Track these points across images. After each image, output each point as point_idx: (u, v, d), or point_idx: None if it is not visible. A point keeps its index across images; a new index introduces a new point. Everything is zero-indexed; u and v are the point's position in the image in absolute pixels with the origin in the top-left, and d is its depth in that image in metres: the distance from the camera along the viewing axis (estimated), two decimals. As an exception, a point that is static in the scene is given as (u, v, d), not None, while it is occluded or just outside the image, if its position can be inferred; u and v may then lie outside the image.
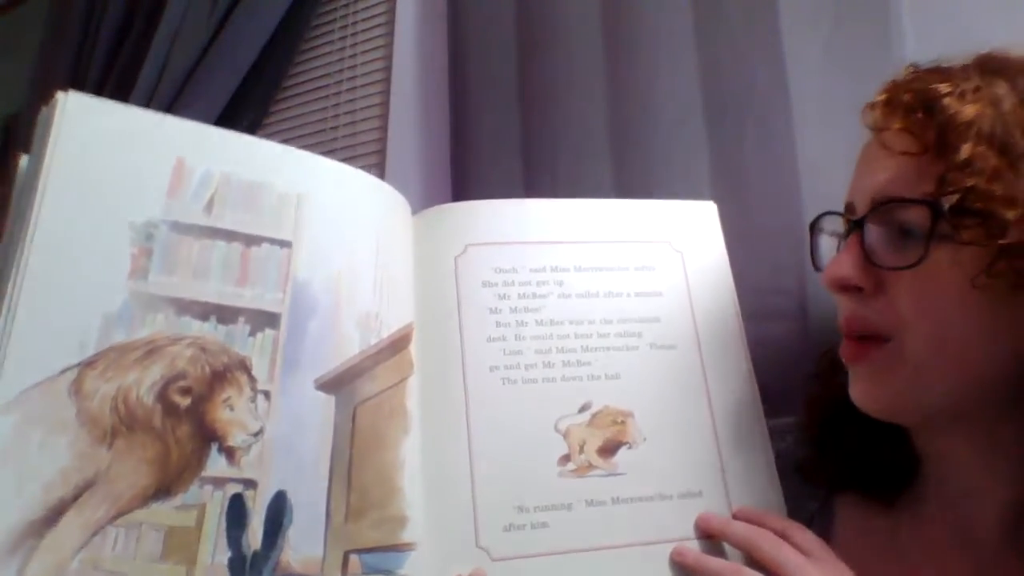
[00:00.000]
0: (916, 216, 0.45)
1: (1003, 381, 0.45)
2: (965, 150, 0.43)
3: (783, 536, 0.47)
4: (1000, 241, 0.41)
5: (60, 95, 0.45)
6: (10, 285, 0.41)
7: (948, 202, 0.43)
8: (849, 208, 0.51)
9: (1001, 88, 0.45)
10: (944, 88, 0.45)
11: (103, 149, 0.45)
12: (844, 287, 0.48)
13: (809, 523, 0.55)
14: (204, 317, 0.45)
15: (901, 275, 0.45)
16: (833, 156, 0.66)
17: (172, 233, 0.46)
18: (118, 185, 0.45)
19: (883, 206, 0.47)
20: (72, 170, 0.44)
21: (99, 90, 1.32)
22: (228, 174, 0.48)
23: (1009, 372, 0.44)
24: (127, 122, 0.47)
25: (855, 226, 0.49)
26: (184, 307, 0.45)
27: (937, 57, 0.50)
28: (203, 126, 0.49)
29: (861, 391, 0.49)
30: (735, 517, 0.50)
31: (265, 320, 0.46)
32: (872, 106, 0.49)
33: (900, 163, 0.46)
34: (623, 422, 0.53)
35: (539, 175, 0.88)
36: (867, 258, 0.47)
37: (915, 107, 0.46)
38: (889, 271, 0.46)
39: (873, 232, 0.47)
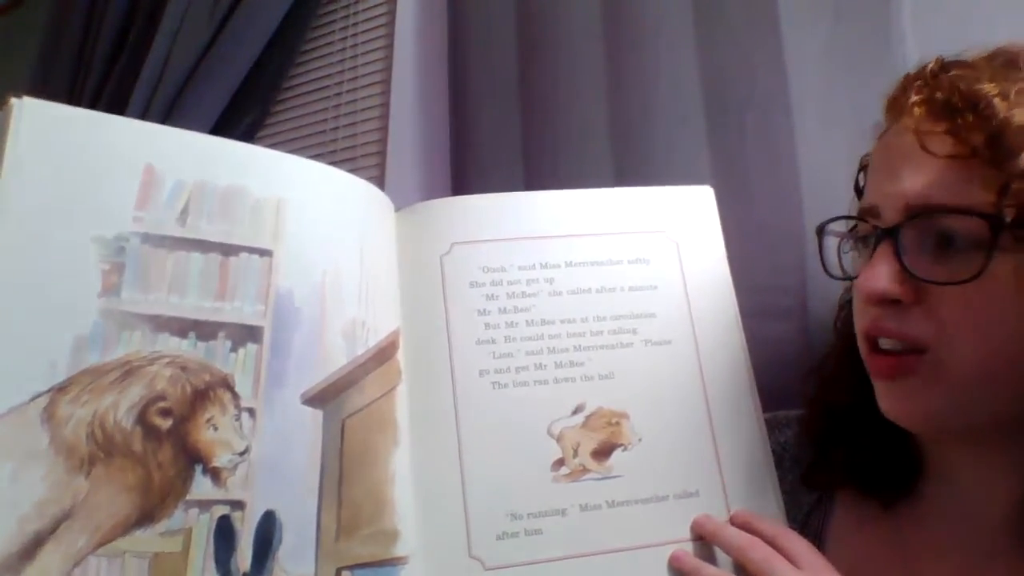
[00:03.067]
0: (965, 225, 0.42)
1: None
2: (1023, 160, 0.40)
3: (773, 542, 0.47)
4: None
5: (14, 100, 0.42)
6: (-29, 307, 0.38)
7: (1010, 214, 0.40)
8: (871, 211, 0.48)
9: None
10: (990, 88, 0.42)
11: (64, 158, 0.42)
12: (882, 301, 0.45)
13: (807, 517, 0.55)
14: (183, 334, 0.43)
15: (945, 287, 0.43)
16: (833, 154, 0.65)
17: (144, 246, 0.43)
18: (83, 197, 0.42)
19: (924, 214, 0.43)
20: (32, 182, 0.41)
21: (99, 91, 1.32)
22: (201, 181, 0.46)
23: None
24: (89, 128, 0.44)
25: (886, 234, 0.45)
26: (161, 324, 0.43)
27: (959, 52, 0.47)
28: (172, 130, 0.47)
29: (895, 405, 0.47)
30: (732, 520, 0.50)
31: (247, 334, 0.44)
32: (910, 105, 0.45)
33: (941, 167, 0.43)
34: (617, 423, 0.52)
35: (540, 175, 0.87)
36: (904, 268, 0.44)
37: (961, 108, 0.42)
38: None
39: (911, 240, 0.44)
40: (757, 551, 0.46)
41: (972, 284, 0.42)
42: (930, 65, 0.47)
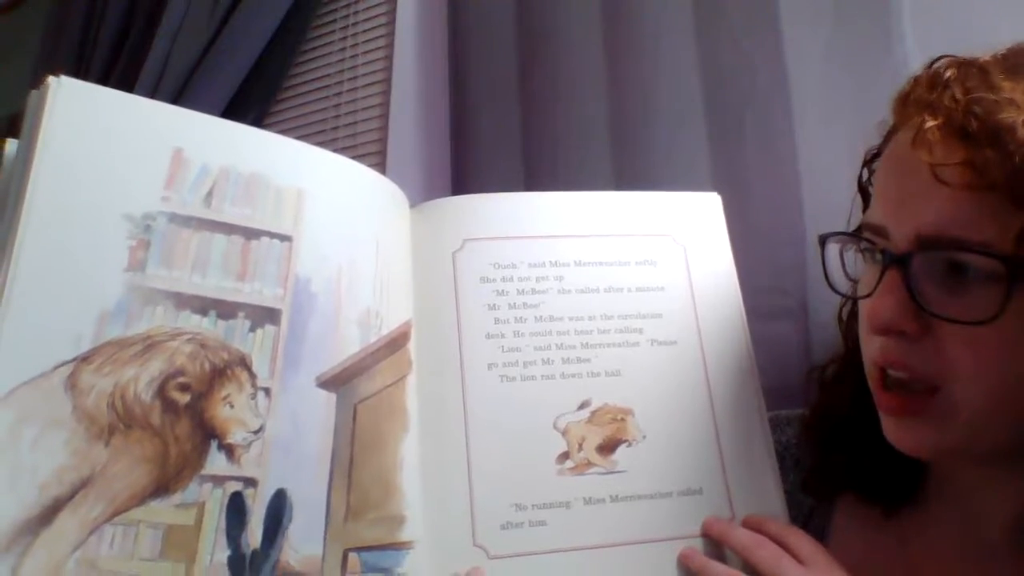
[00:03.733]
0: (981, 261, 0.40)
1: None
2: None
3: (781, 542, 0.47)
4: None
5: (51, 79, 0.43)
6: (1, 278, 0.39)
7: None
8: (879, 231, 0.45)
9: None
10: (1013, 115, 0.39)
11: (97, 137, 0.44)
12: (888, 332, 0.44)
13: (808, 517, 0.55)
14: (204, 312, 0.44)
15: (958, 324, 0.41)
16: (834, 155, 0.66)
17: (170, 225, 0.44)
18: (114, 174, 0.44)
19: (935, 246, 0.41)
20: (65, 158, 0.42)
21: None
22: (227, 166, 0.47)
23: None
24: (122, 110, 0.46)
25: (894, 260, 0.43)
26: (183, 301, 0.44)
27: (962, 52, 0.45)
28: (201, 115, 0.48)
29: (902, 438, 0.46)
30: (741, 524, 0.50)
31: (266, 316, 0.46)
32: (924, 128, 0.42)
33: (956, 197, 0.40)
34: (623, 419, 0.53)
35: (539, 174, 0.88)
36: (913, 299, 0.42)
37: (980, 140, 0.39)
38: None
39: (922, 271, 0.42)
40: (765, 549, 0.46)
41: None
42: (945, 73, 0.44)
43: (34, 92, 0.43)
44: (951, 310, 0.41)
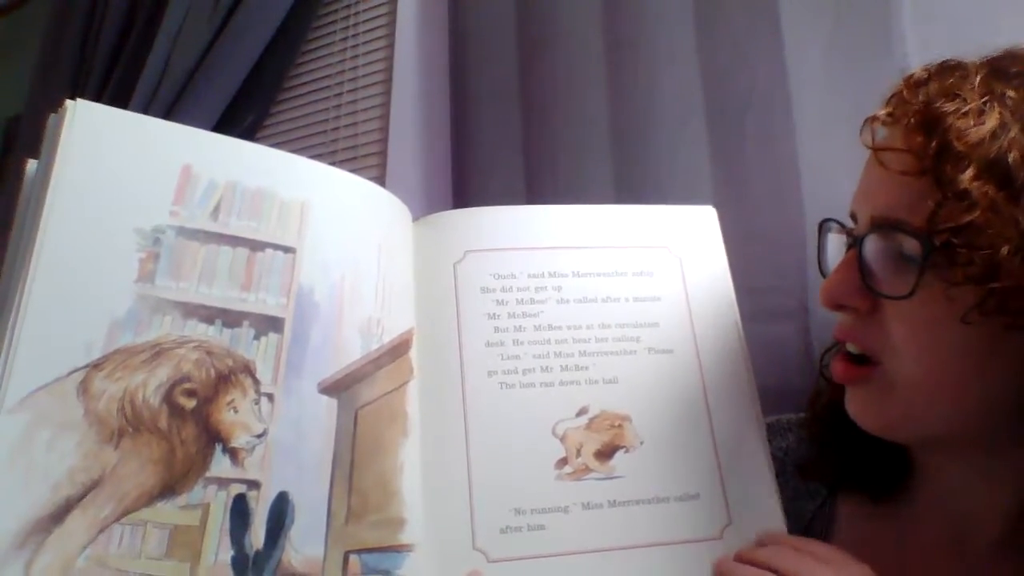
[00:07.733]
0: (911, 244, 0.43)
1: (999, 413, 0.44)
2: (962, 181, 0.40)
3: (800, 550, 0.47)
4: (992, 284, 0.39)
5: (69, 103, 0.46)
6: (19, 288, 0.41)
7: (940, 238, 0.41)
8: (853, 217, 0.50)
9: (1010, 102, 0.41)
10: (949, 107, 0.42)
11: (111, 156, 0.46)
12: (841, 308, 0.48)
13: (809, 524, 0.56)
14: (210, 320, 0.46)
15: (894, 301, 0.44)
16: (834, 156, 0.66)
17: (179, 238, 0.47)
18: (126, 191, 0.46)
19: (881, 228, 0.45)
20: (80, 177, 0.45)
21: (100, 92, 1.34)
22: (234, 181, 0.49)
23: (1005, 405, 0.43)
24: (135, 130, 0.48)
25: (854, 242, 0.48)
26: (190, 311, 0.46)
27: (955, 55, 0.47)
28: (209, 134, 0.51)
29: (856, 409, 0.49)
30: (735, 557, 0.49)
31: (269, 324, 0.47)
32: (873, 120, 0.47)
33: (900, 183, 0.44)
34: (620, 426, 0.54)
35: (540, 176, 0.88)
36: (863, 278, 0.46)
37: (916, 128, 0.43)
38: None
39: (871, 251, 0.46)
40: (784, 554, 0.46)
41: (914, 301, 0.43)
42: (926, 72, 0.46)
43: (53, 115, 0.45)
44: (886, 288, 0.45)
